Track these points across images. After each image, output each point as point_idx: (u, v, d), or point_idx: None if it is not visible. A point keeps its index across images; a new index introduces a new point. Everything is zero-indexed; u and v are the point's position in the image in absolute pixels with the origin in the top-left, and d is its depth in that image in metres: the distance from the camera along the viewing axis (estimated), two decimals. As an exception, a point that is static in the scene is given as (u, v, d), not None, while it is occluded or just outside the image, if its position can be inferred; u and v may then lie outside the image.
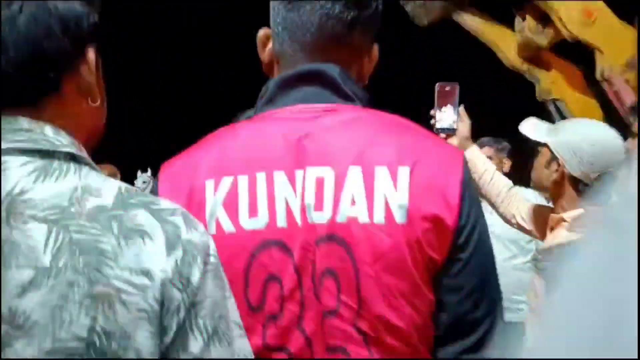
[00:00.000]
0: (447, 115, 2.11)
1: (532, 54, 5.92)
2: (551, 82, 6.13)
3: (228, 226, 0.82)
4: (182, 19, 9.30)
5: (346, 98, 0.90)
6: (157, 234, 0.64)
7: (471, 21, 6.16)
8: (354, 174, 0.84)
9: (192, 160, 0.89)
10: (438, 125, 2.12)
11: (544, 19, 5.24)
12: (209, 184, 0.83)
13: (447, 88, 2.16)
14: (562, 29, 4.95)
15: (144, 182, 7.99)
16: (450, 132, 2.14)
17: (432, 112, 2.16)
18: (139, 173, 8.17)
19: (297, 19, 0.90)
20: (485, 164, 2.31)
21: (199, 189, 0.83)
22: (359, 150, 0.86)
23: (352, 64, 0.94)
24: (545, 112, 6.45)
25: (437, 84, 2.18)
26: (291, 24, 0.91)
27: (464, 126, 2.20)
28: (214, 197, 0.82)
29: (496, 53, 6.32)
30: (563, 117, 6.34)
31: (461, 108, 2.17)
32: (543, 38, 5.42)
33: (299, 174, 0.84)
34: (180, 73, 9.70)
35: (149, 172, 8.16)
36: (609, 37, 4.95)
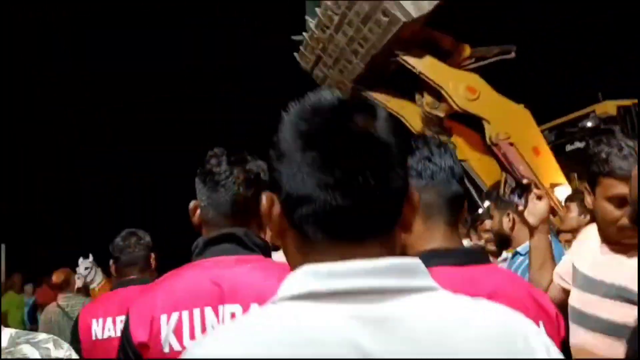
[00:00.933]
0: None
1: (434, 123, 6.64)
2: (454, 146, 6.85)
3: (176, 346, 1.27)
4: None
5: (251, 250, 1.38)
6: (36, 357, 1.05)
7: (377, 97, 6.84)
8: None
9: (150, 298, 1.34)
10: None
11: (439, 95, 5.96)
12: (163, 318, 1.29)
13: None
14: (452, 104, 5.68)
15: (86, 267, 7.95)
16: None
17: None
18: (80, 260, 8.12)
19: (215, 197, 1.40)
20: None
21: (156, 320, 1.29)
22: (257, 291, 1.28)
23: (253, 221, 1.43)
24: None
25: None
26: (213, 202, 1.41)
27: None
28: (167, 326, 1.28)
29: (403, 122, 7.02)
30: (469, 176, 7.06)
31: None
32: (440, 111, 6.15)
33: (220, 309, 1.30)
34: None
35: (91, 258, 8.15)
36: (492, 109, 5.72)
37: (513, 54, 6.49)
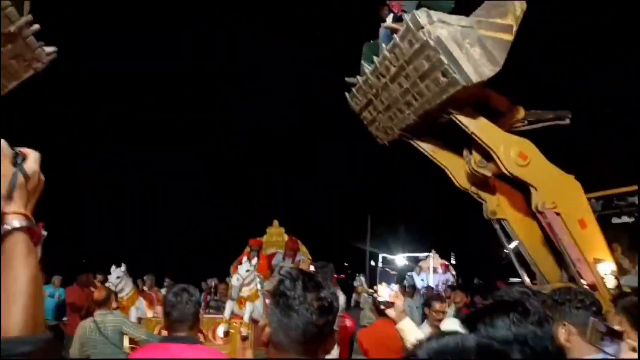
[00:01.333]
0: (385, 291, 2.64)
1: (479, 180, 6.58)
2: (496, 205, 6.78)
3: None
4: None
5: None
6: None
7: (424, 146, 6.83)
8: None
9: None
10: (379, 299, 2.64)
11: (488, 154, 5.91)
12: None
13: (387, 270, 2.72)
14: (502, 168, 5.62)
15: (118, 277, 8.13)
16: (389, 304, 2.64)
17: (375, 288, 2.70)
18: (113, 267, 8.30)
19: (287, 322, 1.42)
20: (413, 334, 2.75)
21: None
22: None
23: (322, 347, 1.46)
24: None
25: (379, 268, 2.74)
26: (285, 326, 1.42)
27: (400, 301, 2.68)
28: None
29: (447, 174, 6.97)
30: (507, 235, 6.95)
31: (396, 287, 2.69)
32: (487, 170, 6.09)
33: None
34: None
35: (123, 267, 8.32)
36: (542, 177, 5.64)
37: (567, 121, 6.40)
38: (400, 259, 22.14)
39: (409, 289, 11.46)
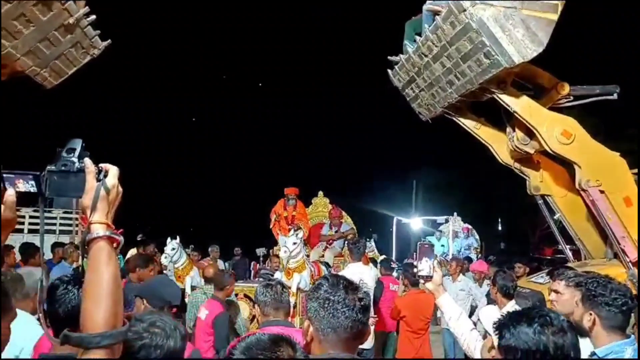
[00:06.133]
0: (426, 266, 2.83)
1: (522, 156, 6.59)
2: (540, 181, 6.80)
3: None
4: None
5: None
6: None
7: (466, 123, 6.87)
8: None
9: None
10: (420, 273, 2.84)
11: (531, 132, 5.92)
12: None
13: (426, 245, 2.90)
14: (545, 146, 5.63)
15: (173, 248, 8.69)
16: (429, 278, 2.84)
17: (414, 262, 2.90)
18: (168, 240, 8.87)
19: (336, 323, 1.64)
20: (452, 308, 2.94)
21: None
22: None
23: (360, 340, 1.68)
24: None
25: (417, 243, 2.92)
26: (333, 326, 1.64)
27: (437, 275, 2.87)
28: None
29: (490, 150, 7.01)
30: (551, 211, 6.97)
31: (435, 261, 2.87)
32: (530, 148, 6.10)
33: None
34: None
35: (178, 239, 8.88)
36: (585, 154, 5.62)
37: (615, 96, 6.29)
38: (416, 223, 20.44)
39: (464, 262, 9.93)
